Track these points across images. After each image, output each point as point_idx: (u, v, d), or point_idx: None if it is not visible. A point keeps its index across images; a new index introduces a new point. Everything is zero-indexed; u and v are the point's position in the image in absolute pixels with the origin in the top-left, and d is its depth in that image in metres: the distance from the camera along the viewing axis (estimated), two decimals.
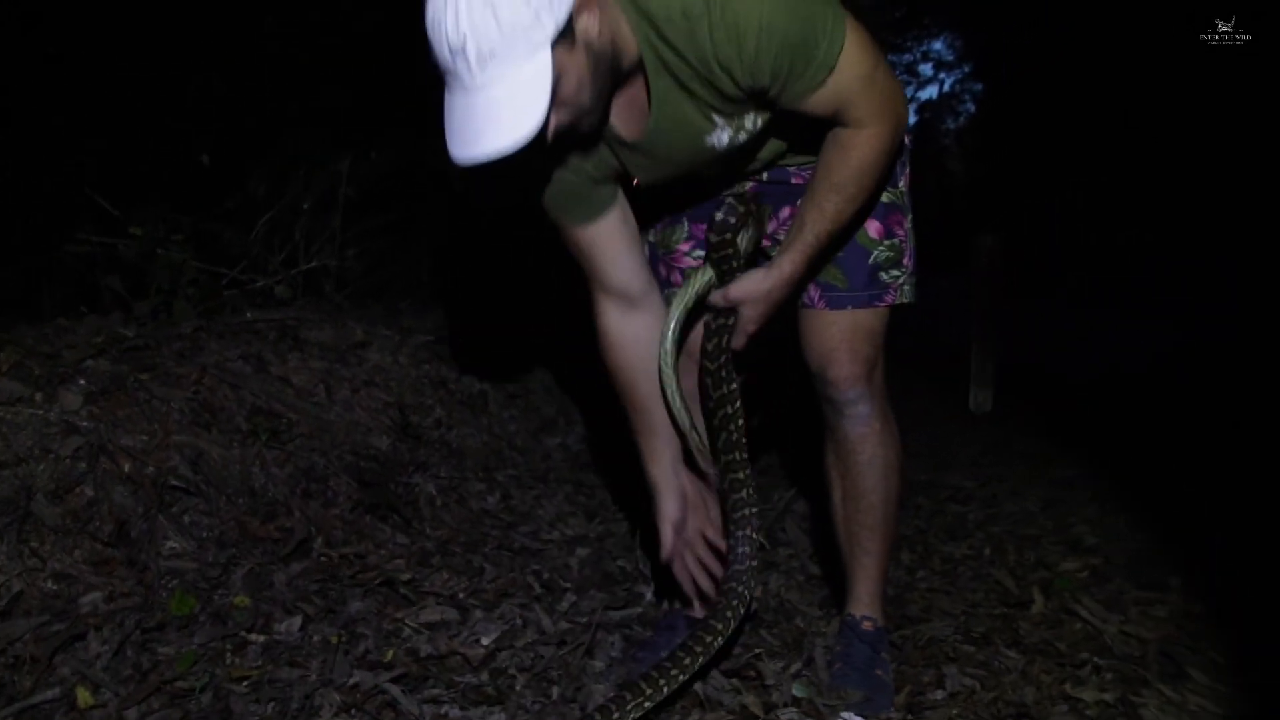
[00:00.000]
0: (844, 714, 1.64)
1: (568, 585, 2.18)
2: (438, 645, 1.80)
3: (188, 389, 2.32)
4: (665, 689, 1.50)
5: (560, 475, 3.01)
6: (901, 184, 1.70)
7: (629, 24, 1.37)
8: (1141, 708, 1.66)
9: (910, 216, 1.73)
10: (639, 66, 1.42)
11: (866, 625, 1.80)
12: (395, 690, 1.61)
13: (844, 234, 1.59)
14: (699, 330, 1.66)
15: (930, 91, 23.67)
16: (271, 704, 1.56)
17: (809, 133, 1.52)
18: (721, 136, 1.50)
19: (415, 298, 4.16)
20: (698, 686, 1.66)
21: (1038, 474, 3.46)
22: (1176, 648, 1.90)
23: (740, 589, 1.62)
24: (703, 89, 1.41)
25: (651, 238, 1.83)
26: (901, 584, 2.33)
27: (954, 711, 1.66)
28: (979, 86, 20.65)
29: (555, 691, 1.68)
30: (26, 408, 2.00)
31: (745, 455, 1.63)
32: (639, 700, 1.46)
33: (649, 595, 2.15)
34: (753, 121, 1.49)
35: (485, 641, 1.83)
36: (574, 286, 1.74)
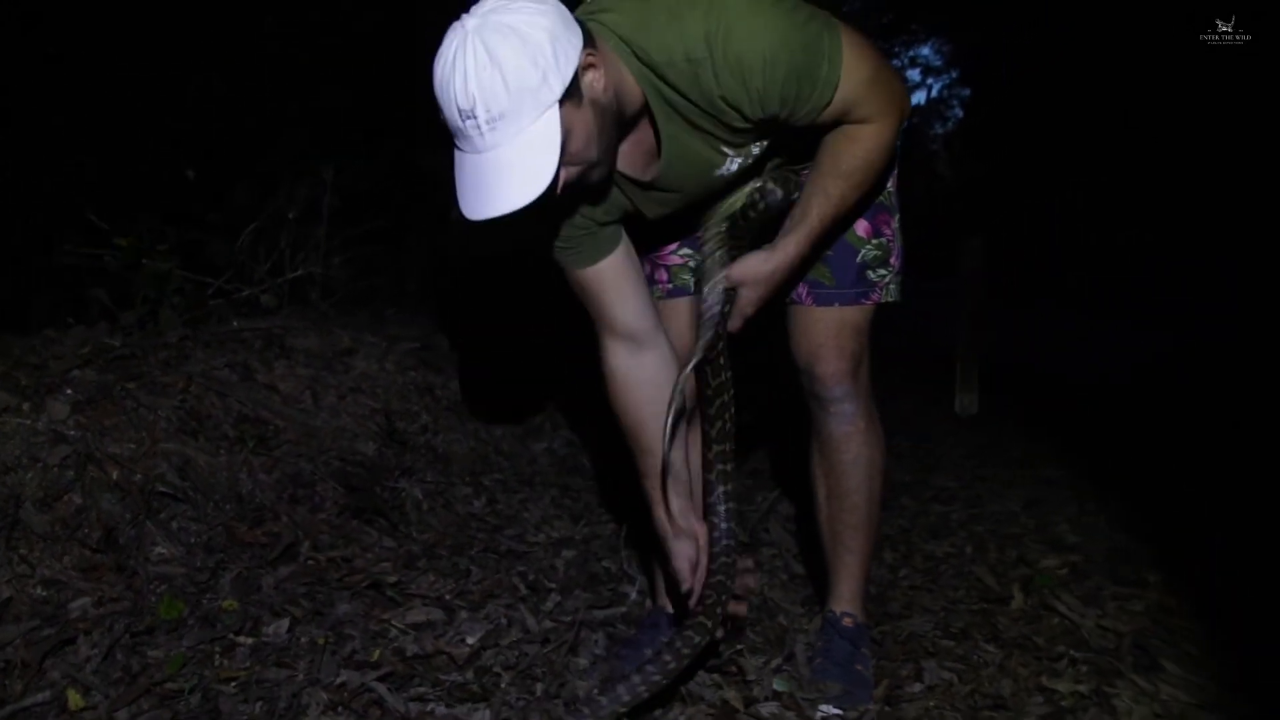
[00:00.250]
0: (822, 707, 1.67)
1: (553, 586, 2.19)
2: (424, 645, 1.82)
3: (175, 397, 2.34)
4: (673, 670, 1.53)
5: (546, 479, 3.02)
6: (890, 184, 1.73)
7: (631, 72, 1.39)
8: (1114, 698, 1.70)
9: (898, 216, 1.77)
10: (644, 111, 1.44)
11: (847, 621, 1.83)
12: (382, 689, 1.63)
13: (838, 228, 1.61)
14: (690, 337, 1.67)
15: (918, 97, 23.78)
16: (259, 703, 1.57)
17: (802, 143, 1.55)
18: (731, 166, 1.53)
19: (401, 305, 4.19)
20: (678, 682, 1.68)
21: (1023, 475, 3.49)
22: (1151, 640, 1.94)
23: (724, 579, 1.62)
24: (712, 126, 1.43)
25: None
26: (884, 582, 2.36)
27: (931, 704, 1.69)
28: (966, 92, 20.82)
29: (539, 689, 1.70)
30: (14, 417, 2.02)
31: (733, 446, 1.64)
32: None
33: (633, 595, 2.17)
34: (759, 145, 1.53)
35: (470, 641, 1.85)
36: (560, 291, 1.72)
